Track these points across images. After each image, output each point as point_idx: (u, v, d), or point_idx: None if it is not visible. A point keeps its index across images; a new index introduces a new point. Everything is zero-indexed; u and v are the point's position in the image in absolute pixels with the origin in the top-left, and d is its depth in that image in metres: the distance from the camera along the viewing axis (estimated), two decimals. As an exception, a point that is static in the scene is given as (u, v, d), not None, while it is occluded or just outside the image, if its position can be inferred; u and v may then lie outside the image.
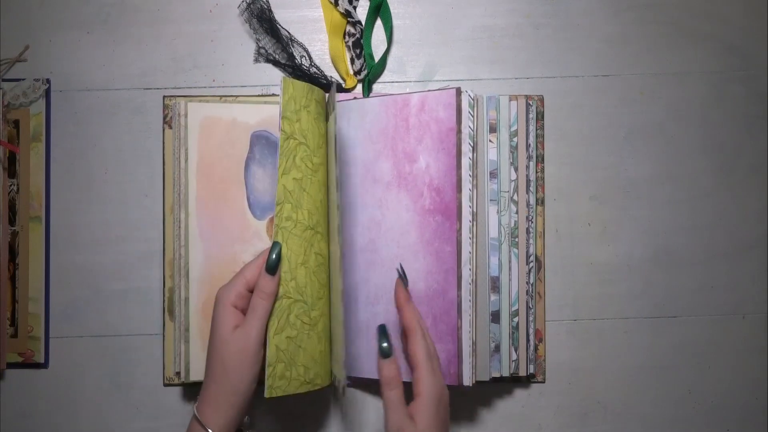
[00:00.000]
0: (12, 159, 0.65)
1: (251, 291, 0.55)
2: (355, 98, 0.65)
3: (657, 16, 0.68)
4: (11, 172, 0.65)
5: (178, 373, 0.62)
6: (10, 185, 0.65)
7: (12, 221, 0.65)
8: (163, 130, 0.66)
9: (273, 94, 0.66)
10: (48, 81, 0.66)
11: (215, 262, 0.62)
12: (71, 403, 0.65)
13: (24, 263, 0.65)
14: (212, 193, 0.62)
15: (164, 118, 0.66)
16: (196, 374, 0.61)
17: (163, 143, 0.66)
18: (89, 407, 0.65)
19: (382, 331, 0.56)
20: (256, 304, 0.54)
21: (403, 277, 0.59)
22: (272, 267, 0.55)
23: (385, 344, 0.55)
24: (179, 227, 0.62)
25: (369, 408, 0.66)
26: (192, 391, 0.66)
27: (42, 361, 0.65)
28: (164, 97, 0.66)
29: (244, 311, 0.55)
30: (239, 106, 0.63)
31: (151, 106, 0.66)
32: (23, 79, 0.65)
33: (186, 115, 0.62)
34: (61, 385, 0.65)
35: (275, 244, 0.56)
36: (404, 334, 0.58)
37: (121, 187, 0.66)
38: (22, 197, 0.65)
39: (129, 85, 0.66)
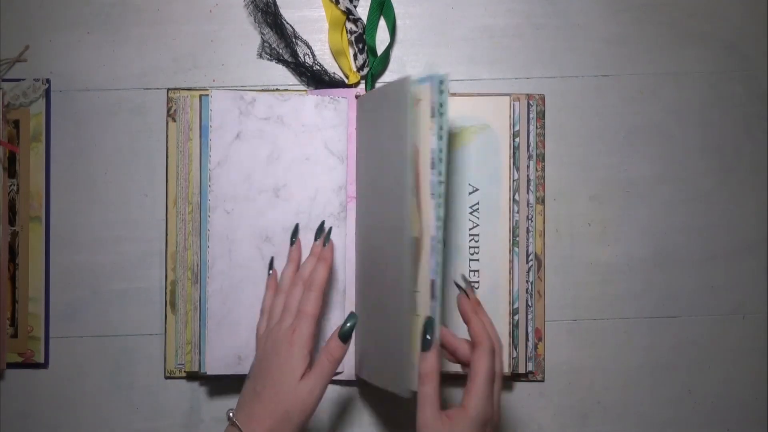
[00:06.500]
0: (12, 159, 0.65)
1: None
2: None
3: (656, 16, 0.68)
4: (11, 172, 0.65)
5: (180, 366, 0.63)
6: (10, 185, 0.65)
7: (12, 221, 0.65)
8: (167, 123, 0.66)
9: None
10: (48, 81, 0.66)
11: None
12: (71, 403, 0.65)
13: (24, 263, 0.65)
14: None
15: (168, 111, 0.66)
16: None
17: (167, 136, 0.66)
18: (89, 407, 0.65)
19: (429, 324, 0.52)
20: (324, 365, 0.54)
21: (463, 288, 0.55)
22: (346, 335, 0.55)
23: (427, 336, 0.51)
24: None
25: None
26: (192, 385, 0.66)
27: (42, 361, 0.65)
28: (168, 89, 0.66)
29: (309, 352, 0.55)
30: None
31: (151, 106, 0.66)
32: (23, 79, 0.65)
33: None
34: (61, 385, 0.65)
35: (352, 315, 0.56)
36: (472, 347, 0.53)
37: (121, 187, 0.66)
38: (22, 197, 0.65)
39: (129, 85, 0.66)
